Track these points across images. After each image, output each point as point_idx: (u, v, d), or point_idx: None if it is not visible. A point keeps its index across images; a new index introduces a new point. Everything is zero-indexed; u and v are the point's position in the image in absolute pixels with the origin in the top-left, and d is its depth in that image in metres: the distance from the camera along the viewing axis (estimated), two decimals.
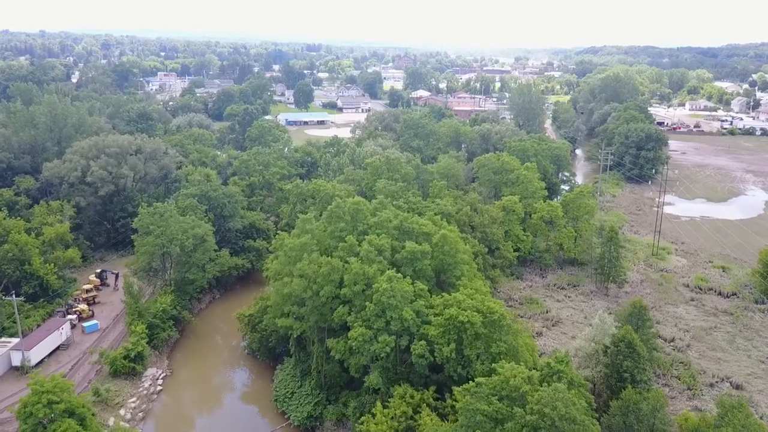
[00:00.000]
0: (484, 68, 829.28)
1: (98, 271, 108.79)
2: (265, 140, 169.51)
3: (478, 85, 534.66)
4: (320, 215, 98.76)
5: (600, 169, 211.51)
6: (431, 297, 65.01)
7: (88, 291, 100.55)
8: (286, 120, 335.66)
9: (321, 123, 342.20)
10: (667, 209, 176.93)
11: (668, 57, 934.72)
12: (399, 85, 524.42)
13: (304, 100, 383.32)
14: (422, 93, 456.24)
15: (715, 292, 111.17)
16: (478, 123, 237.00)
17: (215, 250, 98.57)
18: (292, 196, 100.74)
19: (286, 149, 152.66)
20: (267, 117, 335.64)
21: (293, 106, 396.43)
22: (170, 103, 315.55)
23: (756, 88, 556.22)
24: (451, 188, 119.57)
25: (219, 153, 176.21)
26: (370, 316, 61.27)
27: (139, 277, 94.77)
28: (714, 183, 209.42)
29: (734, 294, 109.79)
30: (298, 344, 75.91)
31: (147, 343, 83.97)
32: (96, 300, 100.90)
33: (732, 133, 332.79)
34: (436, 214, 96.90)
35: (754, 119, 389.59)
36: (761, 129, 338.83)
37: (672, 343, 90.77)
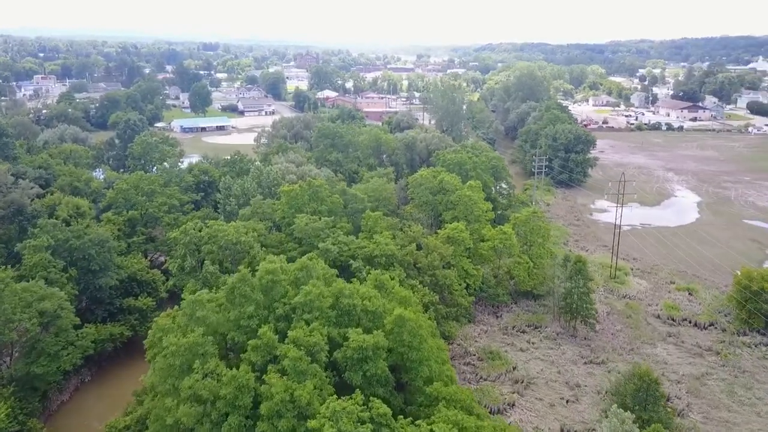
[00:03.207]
0: (388, 66, 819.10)
1: None
2: (150, 158, 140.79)
3: (385, 84, 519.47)
4: (220, 267, 74.96)
5: (529, 174, 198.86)
6: (397, 420, 43.57)
7: None
8: (181, 126, 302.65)
9: (221, 129, 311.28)
10: (603, 216, 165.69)
11: (560, 53, 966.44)
12: (304, 85, 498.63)
13: (201, 104, 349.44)
14: (329, 93, 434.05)
15: (690, 322, 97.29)
16: (395, 126, 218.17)
17: (76, 326, 71.75)
18: (179, 247, 75.32)
19: (177, 169, 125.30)
20: (159, 124, 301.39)
21: (189, 111, 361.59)
22: (43, 111, 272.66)
23: (646, 82, 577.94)
24: (385, 215, 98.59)
25: (95, 175, 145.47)
26: None
27: None
28: (641, 184, 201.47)
29: (712, 324, 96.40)
30: None
31: None
32: None
33: (639, 128, 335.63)
34: (375, 258, 75.68)
35: (654, 113, 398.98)
36: (666, 124, 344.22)
37: (669, 404, 74.62)
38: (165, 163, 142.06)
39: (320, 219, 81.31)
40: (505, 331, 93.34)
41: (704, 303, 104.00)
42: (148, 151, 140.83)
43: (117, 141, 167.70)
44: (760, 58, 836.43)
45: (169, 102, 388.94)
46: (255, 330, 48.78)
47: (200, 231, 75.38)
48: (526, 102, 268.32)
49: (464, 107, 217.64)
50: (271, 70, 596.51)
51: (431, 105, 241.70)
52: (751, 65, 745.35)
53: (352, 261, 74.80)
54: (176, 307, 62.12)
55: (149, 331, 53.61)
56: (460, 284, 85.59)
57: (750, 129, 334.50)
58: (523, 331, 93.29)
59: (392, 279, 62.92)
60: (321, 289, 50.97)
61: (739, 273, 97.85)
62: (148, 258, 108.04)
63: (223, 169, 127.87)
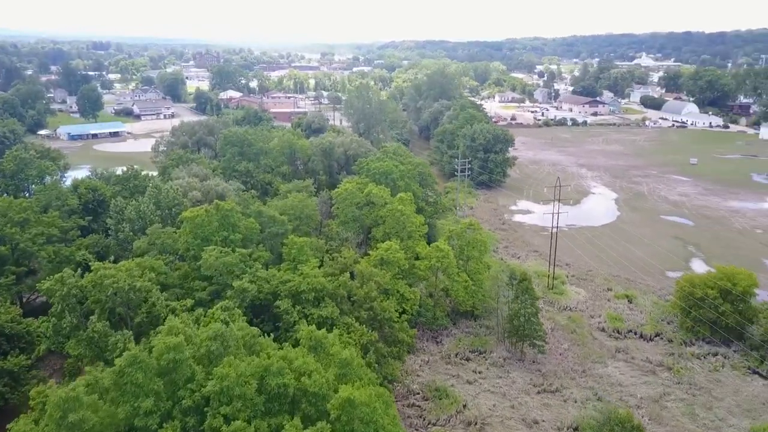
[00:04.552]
0: (293, 64, 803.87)
1: None
2: (26, 176, 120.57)
3: (291, 83, 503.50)
4: (110, 316, 60.55)
5: (448, 176, 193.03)
6: None
7: None
8: (69, 134, 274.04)
9: (115, 135, 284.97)
10: (528, 218, 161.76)
11: (461, 50, 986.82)
12: (205, 86, 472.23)
13: (91, 108, 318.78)
14: (233, 94, 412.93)
15: (636, 334, 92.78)
16: (306, 128, 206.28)
17: None
18: (56, 300, 59.58)
19: (58, 191, 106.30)
20: (43, 132, 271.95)
21: (78, 116, 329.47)
22: None
23: (545, 78, 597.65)
24: (307, 235, 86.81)
25: None
26: None
27: None
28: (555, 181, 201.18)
29: (658, 335, 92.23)
30: None
31: None
32: None
33: (546, 124, 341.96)
34: (301, 294, 64.07)
35: (558, 109, 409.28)
36: (571, 119, 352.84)
37: None
38: (47, 179, 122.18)
39: (233, 251, 68.38)
40: (449, 360, 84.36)
41: (645, 311, 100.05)
42: (22, 168, 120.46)
43: None
44: (643, 54, 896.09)
45: (55, 106, 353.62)
46: (155, 431, 36.11)
47: (82, 276, 60.26)
48: (438, 101, 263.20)
49: (380, 108, 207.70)
50: (168, 70, 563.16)
51: (346, 106, 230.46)
52: (635, 61, 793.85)
53: (276, 301, 62.70)
54: (54, 383, 47.56)
55: None
56: (399, 315, 75.39)
57: (647, 123, 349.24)
58: (468, 359, 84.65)
59: (330, 331, 51.52)
60: (241, 369, 38.48)
61: (681, 279, 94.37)
62: (24, 300, 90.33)
63: (114, 188, 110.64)
